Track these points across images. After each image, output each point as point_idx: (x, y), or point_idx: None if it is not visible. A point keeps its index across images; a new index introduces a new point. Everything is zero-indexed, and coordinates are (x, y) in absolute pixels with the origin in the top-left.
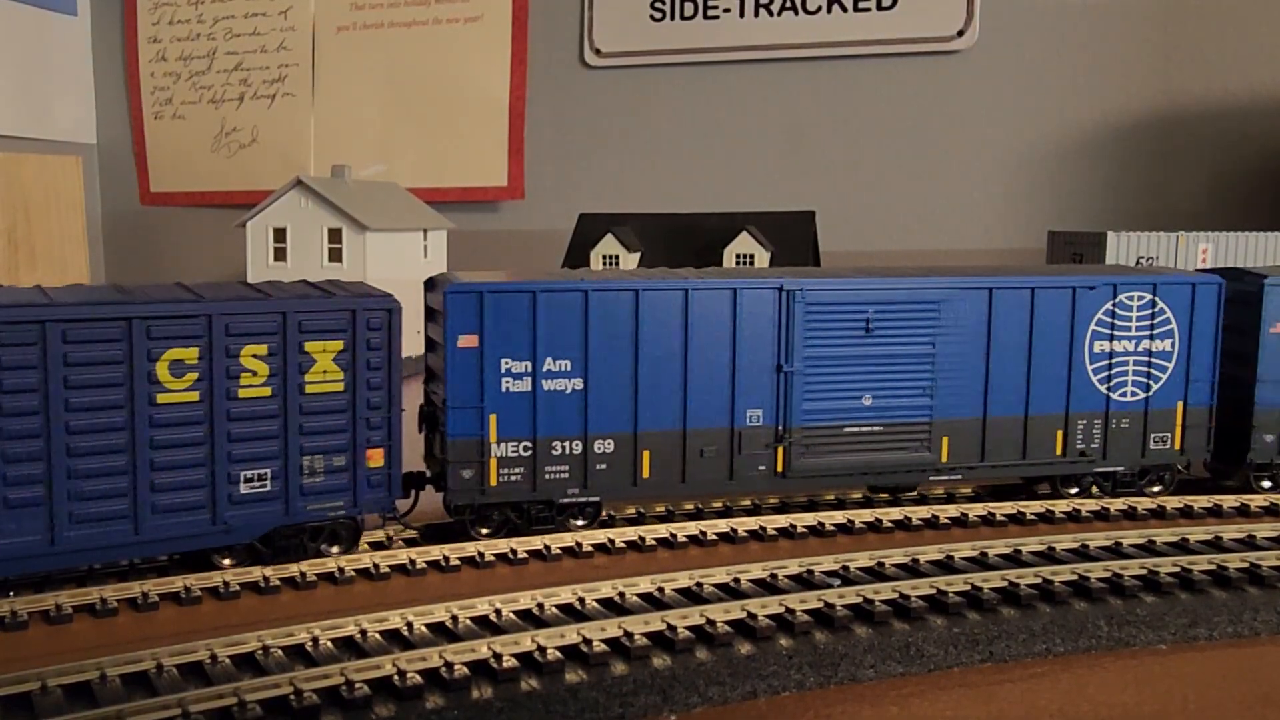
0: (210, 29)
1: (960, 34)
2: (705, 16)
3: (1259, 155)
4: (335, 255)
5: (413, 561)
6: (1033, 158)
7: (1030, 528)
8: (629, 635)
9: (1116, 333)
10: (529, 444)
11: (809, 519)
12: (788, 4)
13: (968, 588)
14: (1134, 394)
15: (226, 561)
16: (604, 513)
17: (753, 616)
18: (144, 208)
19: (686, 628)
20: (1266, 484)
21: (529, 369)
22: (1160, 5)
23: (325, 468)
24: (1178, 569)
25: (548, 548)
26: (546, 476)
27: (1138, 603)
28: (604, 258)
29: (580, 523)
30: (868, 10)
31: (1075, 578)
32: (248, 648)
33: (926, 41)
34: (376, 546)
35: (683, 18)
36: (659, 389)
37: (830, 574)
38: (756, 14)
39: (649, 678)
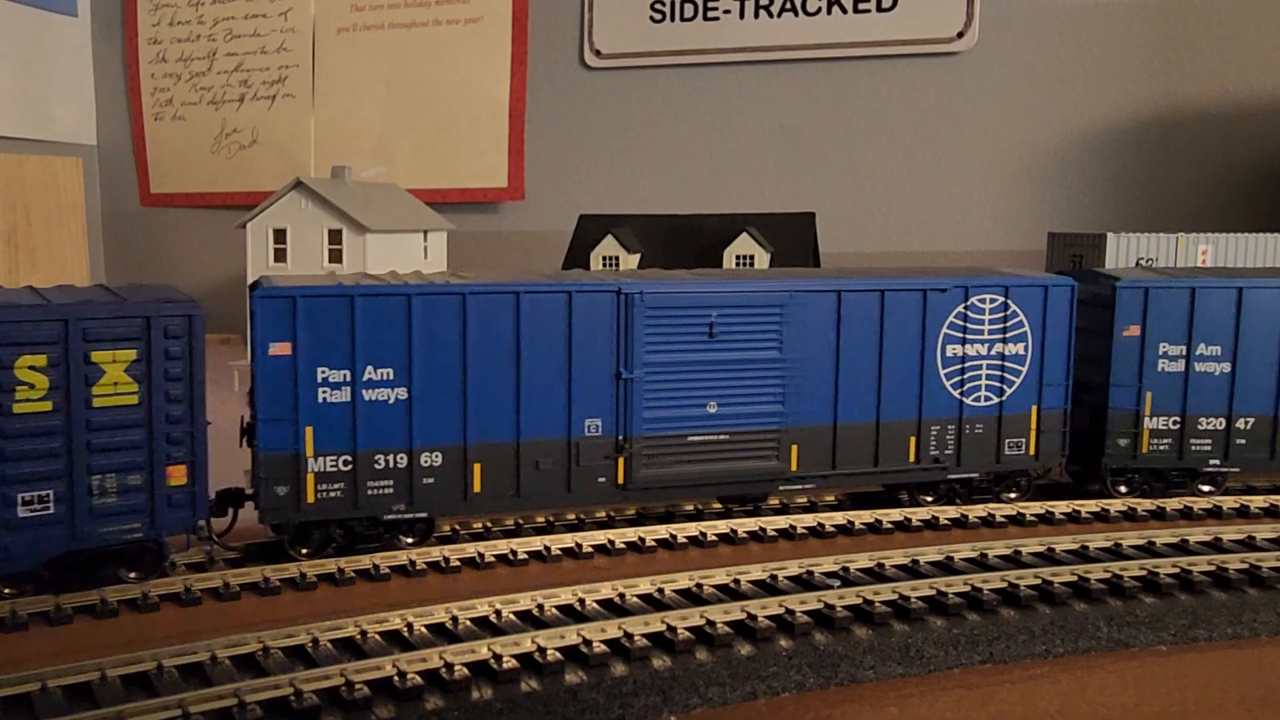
0: (210, 30)
1: (960, 35)
2: (705, 18)
3: (1259, 156)
4: (335, 256)
5: (412, 563)
6: (1033, 159)
7: (1030, 529)
8: (629, 636)
9: (969, 336)
10: (349, 458)
11: (809, 520)
12: (787, 5)
13: (967, 589)
14: (987, 399)
15: (8, 590)
16: (440, 528)
17: (752, 617)
18: (144, 209)
19: (686, 629)
20: (1123, 489)
21: (348, 378)
22: (1160, 7)
23: (118, 487)
24: (1177, 570)
25: (547, 549)
26: (369, 492)
27: (1138, 604)
28: (604, 259)
29: (409, 540)
30: (867, 12)
31: (1075, 579)
32: (248, 648)
33: (926, 43)
34: (375, 549)
35: (682, 19)
36: (490, 398)
37: (830, 575)
38: (756, 15)
39: (649, 679)
